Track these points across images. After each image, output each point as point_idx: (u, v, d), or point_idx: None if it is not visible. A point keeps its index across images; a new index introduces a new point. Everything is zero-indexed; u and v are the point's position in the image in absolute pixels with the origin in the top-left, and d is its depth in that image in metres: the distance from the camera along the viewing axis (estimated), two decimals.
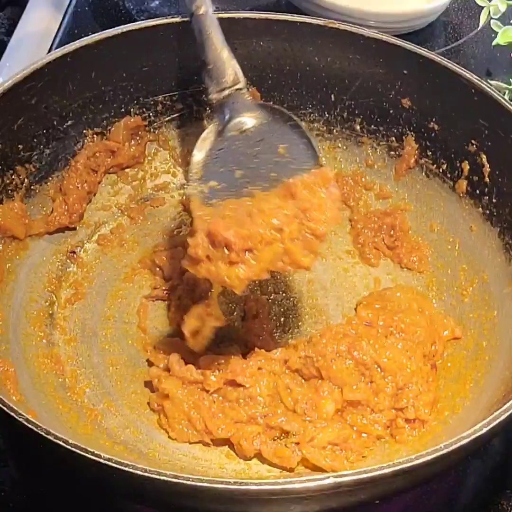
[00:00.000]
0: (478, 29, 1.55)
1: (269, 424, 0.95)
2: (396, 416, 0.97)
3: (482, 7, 1.50)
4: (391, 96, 1.17)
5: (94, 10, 1.59)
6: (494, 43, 1.45)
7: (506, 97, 1.11)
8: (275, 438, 0.95)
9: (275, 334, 1.08)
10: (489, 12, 1.48)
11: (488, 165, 1.08)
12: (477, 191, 1.11)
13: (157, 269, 1.12)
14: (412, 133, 1.18)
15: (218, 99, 1.04)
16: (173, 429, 0.96)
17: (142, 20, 1.16)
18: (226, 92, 1.04)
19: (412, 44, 1.14)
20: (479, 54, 1.57)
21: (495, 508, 0.98)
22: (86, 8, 1.60)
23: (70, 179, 1.13)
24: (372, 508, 0.92)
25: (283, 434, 0.96)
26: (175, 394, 0.95)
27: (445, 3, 1.59)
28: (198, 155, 1.03)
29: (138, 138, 1.20)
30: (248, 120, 1.04)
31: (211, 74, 1.04)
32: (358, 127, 1.22)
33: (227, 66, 1.04)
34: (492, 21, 1.46)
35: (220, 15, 1.15)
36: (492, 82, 1.36)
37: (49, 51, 1.46)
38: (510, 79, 1.40)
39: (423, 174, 1.18)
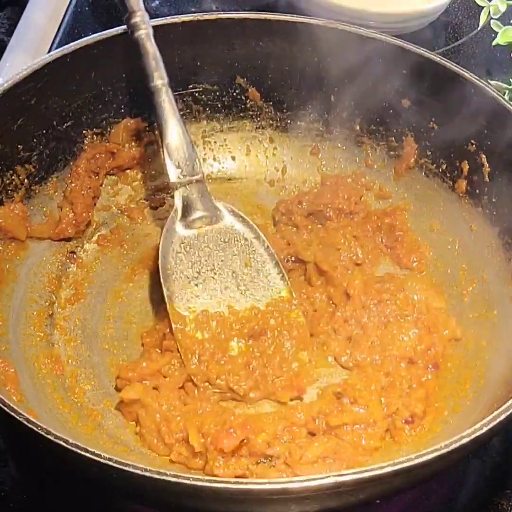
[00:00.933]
0: (478, 29, 1.55)
1: (250, 450, 0.92)
2: (393, 422, 0.97)
3: (482, 7, 1.50)
4: (390, 96, 1.17)
5: (94, 10, 1.59)
6: (494, 43, 1.45)
7: (506, 97, 1.11)
8: (258, 461, 0.93)
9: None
10: (489, 12, 1.48)
11: (487, 165, 1.08)
12: (477, 191, 1.11)
13: None
14: (411, 133, 1.18)
15: (180, 185, 1.06)
16: (144, 439, 0.95)
17: None
18: (188, 179, 1.05)
19: (412, 44, 1.14)
20: (479, 54, 1.57)
21: (495, 508, 0.98)
22: (86, 8, 1.61)
23: (75, 187, 1.13)
24: (372, 507, 0.92)
25: (266, 458, 0.94)
26: (145, 400, 0.95)
27: (445, 3, 1.59)
28: (166, 251, 1.05)
29: (138, 139, 1.20)
30: (211, 215, 1.07)
31: (172, 157, 1.05)
32: (357, 127, 1.22)
33: (189, 153, 1.05)
34: (492, 21, 1.46)
35: (220, 16, 1.16)
36: (492, 82, 1.36)
37: (49, 51, 1.46)
38: (510, 79, 1.40)
39: (423, 174, 1.19)
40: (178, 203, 1.06)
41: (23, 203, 1.08)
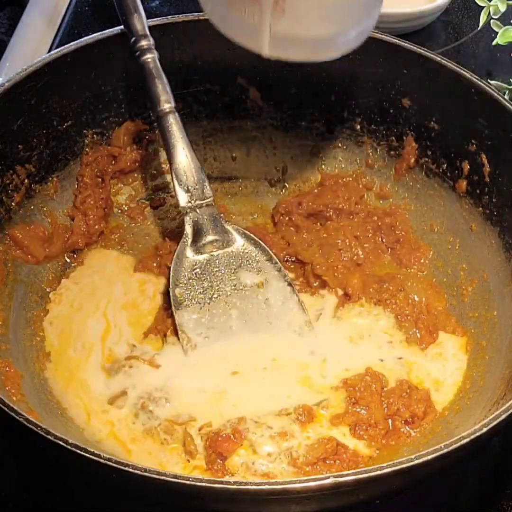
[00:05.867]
0: (478, 29, 1.54)
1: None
2: (393, 423, 0.97)
3: (482, 7, 1.49)
4: (391, 95, 1.17)
5: (94, 10, 1.59)
6: (494, 43, 1.45)
7: (506, 97, 1.11)
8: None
9: None
10: (489, 12, 1.48)
11: (488, 165, 1.08)
12: (477, 191, 1.11)
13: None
14: (412, 132, 1.18)
15: (190, 210, 1.05)
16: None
17: None
18: (198, 203, 1.05)
19: (412, 43, 1.13)
20: (479, 54, 1.57)
21: (495, 508, 0.98)
22: (86, 8, 1.61)
23: (85, 197, 1.14)
24: (372, 507, 0.92)
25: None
26: None
27: (445, 3, 1.59)
28: (177, 277, 1.05)
29: (139, 141, 1.20)
30: (223, 239, 1.06)
31: (182, 181, 1.04)
32: (358, 127, 1.22)
33: (199, 177, 1.05)
34: (492, 21, 1.46)
35: None
36: (492, 82, 1.36)
37: (49, 51, 1.46)
38: (510, 79, 1.40)
39: (423, 173, 1.18)
40: (188, 228, 1.06)
41: (25, 205, 1.08)
